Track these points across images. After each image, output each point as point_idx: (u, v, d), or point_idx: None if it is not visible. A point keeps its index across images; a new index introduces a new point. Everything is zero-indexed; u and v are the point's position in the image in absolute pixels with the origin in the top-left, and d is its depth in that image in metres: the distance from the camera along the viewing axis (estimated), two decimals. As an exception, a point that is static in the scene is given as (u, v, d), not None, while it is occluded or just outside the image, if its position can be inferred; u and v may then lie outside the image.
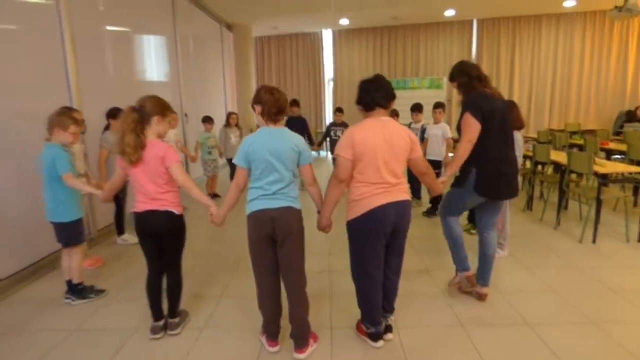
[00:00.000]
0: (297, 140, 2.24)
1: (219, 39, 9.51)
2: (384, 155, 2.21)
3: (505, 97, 10.47)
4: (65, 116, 2.91)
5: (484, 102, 2.63)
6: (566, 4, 9.75)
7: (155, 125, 2.41)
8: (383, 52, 11.88)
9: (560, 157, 4.94)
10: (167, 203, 2.44)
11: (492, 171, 2.69)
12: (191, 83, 7.65)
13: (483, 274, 2.95)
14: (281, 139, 2.20)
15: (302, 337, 2.37)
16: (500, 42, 11.19)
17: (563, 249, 3.93)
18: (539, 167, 5.73)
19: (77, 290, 3.07)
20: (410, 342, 2.47)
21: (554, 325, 2.62)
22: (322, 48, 12.24)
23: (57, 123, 2.86)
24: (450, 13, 10.39)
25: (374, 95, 2.29)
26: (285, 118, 7.18)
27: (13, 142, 3.42)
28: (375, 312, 2.40)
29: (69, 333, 2.67)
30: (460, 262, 2.99)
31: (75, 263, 3.06)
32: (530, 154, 5.39)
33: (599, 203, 4.08)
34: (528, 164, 5.82)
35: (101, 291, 3.17)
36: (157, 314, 2.60)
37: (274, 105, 2.18)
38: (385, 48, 11.85)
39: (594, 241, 4.08)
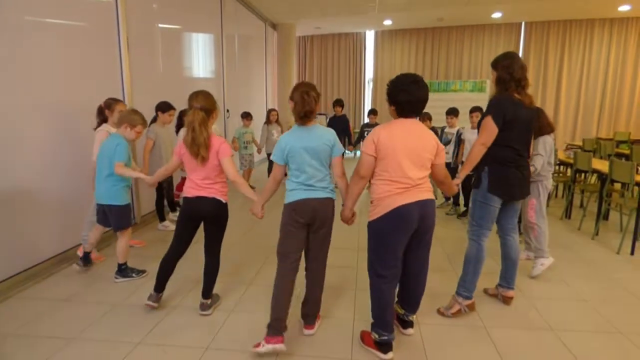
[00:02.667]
0: (329, 135, 2.38)
1: (263, 38, 9.77)
2: (407, 157, 2.20)
3: (552, 103, 10.23)
4: (136, 115, 3.21)
5: (509, 108, 2.57)
6: (621, 9, 9.34)
7: (211, 120, 2.61)
8: (426, 53, 11.79)
9: (603, 165, 4.79)
10: (215, 191, 2.64)
11: (504, 172, 2.66)
12: (235, 80, 7.92)
13: (507, 277, 2.94)
14: (315, 136, 2.35)
15: (313, 315, 2.57)
16: (549, 47, 10.85)
17: (598, 259, 3.83)
18: (581, 175, 5.56)
19: (120, 270, 3.33)
20: (431, 339, 2.52)
21: (579, 332, 2.60)
22: (365, 48, 12.29)
23: (128, 120, 3.16)
24: (497, 15, 10.18)
25: (415, 106, 2.25)
26: (328, 117, 7.36)
27: (68, 132, 3.71)
28: (388, 316, 2.32)
29: (112, 306, 2.91)
30: (470, 288, 2.80)
31: (121, 245, 3.30)
32: (571, 161, 5.25)
33: (639, 213, 3.94)
34: (569, 171, 5.66)
35: (142, 271, 3.40)
36: (159, 287, 2.82)
37: (302, 109, 2.30)
38: (428, 49, 11.76)
39: (632, 253, 3.95)
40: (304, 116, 2.32)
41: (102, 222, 3.34)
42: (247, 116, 6.59)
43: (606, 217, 5.15)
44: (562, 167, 6.15)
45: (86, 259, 3.46)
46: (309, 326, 2.56)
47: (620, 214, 4.91)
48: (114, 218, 3.24)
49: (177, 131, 4.86)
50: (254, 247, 4.13)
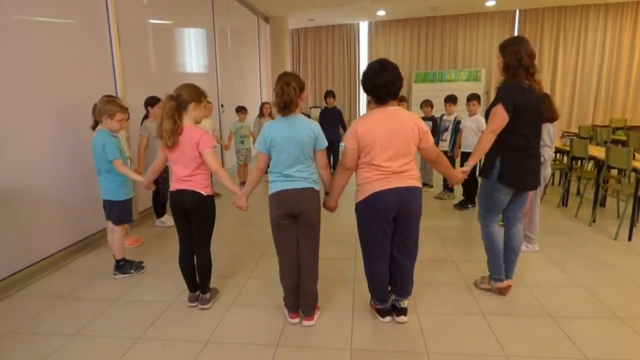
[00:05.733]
0: (313, 126, 2.37)
1: (256, 31, 9.70)
2: (387, 146, 2.26)
3: (548, 90, 10.20)
4: (112, 104, 3.13)
5: (519, 95, 2.53)
6: (616, -6, 9.31)
7: (191, 111, 2.57)
8: (420, 43, 11.74)
9: (599, 152, 4.80)
10: (195, 184, 2.61)
11: (516, 161, 2.63)
12: (228, 74, 7.87)
13: (507, 267, 2.94)
14: (298, 126, 2.34)
15: (310, 306, 2.57)
16: (544, 34, 10.82)
17: (596, 246, 3.84)
18: (577, 162, 5.57)
19: (118, 266, 3.32)
20: (431, 328, 2.53)
21: (578, 319, 2.61)
22: (358, 40, 12.23)
23: (105, 111, 3.10)
24: (491, 3, 10.13)
25: (378, 90, 2.31)
26: (320, 109, 7.38)
27: (63, 130, 3.68)
28: (379, 290, 2.55)
29: (112, 302, 2.90)
30: (497, 270, 2.87)
31: (115, 240, 3.30)
32: (568, 148, 5.25)
33: (636, 199, 3.96)
34: (565, 159, 5.67)
35: (141, 267, 3.40)
36: (191, 286, 2.83)
37: (281, 100, 2.29)
38: (422, 39, 11.71)
39: (629, 238, 3.97)
40: (284, 107, 2.31)
41: (109, 217, 3.33)
42: (241, 110, 6.55)
43: (603, 204, 5.17)
44: (558, 154, 6.16)
45: (118, 266, 3.33)
46: (308, 318, 2.57)
47: (617, 200, 4.93)
48: (115, 213, 3.25)
49: None
50: (252, 240, 4.13)
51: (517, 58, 2.56)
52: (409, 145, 2.30)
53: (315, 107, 12.14)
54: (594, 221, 4.50)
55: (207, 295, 2.81)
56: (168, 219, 4.67)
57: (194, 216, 2.69)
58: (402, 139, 2.28)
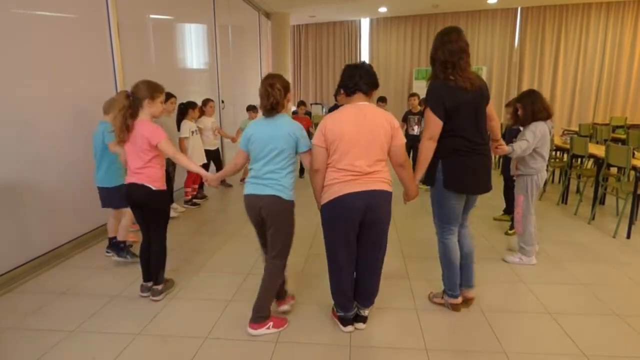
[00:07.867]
0: (294, 127, 2.30)
1: (257, 27, 9.68)
2: (356, 142, 2.16)
3: (548, 88, 10.06)
4: None
5: (447, 95, 2.32)
6: (618, -9, 9.28)
7: (146, 108, 2.65)
8: (421, 40, 11.71)
9: (599, 150, 4.80)
10: (144, 177, 2.67)
11: (459, 164, 2.41)
12: (229, 71, 7.85)
13: (464, 275, 2.70)
14: (278, 126, 2.29)
15: (256, 315, 2.44)
16: (545, 32, 10.80)
17: (595, 244, 3.85)
18: (577, 160, 5.58)
19: (117, 247, 3.41)
20: (429, 324, 2.54)
21: (575, 315, 2.62)
22: (360, 37, 12.21)
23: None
24: (493, 1, 10.11)
25: (357, 80, 2.24)
26: (328, 107, 7.36)
27: (63, 125, 3.67)
28: (341, 298, 2.42)
29: (111, 298, 2.91)
30: (451, 286, 2.65)
31: (123, 223, 3.42)
32: (568, 146, 5.25)
33: (635, 197, 3.96)
34: (565, 156, 5.68)
35: (136, 256, 3.37)
36: (144, 276, 2.92)
37: (267, 102, 2.27)
38: (423, 36, 11.68)
39: (628, 236, 3.98)
40: (271, 109, 2.28)
41: (104, 205, 3.46)
42: (252, 109, 6.58)
43: (602, 202, 5.18)
44: (558, 152, 6.17)
45: (116, 246, 3.47)
46: (252, 325, 2.43)
47: (617, 198, 4.93)
48: (112, 198, 3.37)
49: (178, 124, 4.88)
50: (251, 239, 4.12)
51: (436, 53, 2.39)
52: (379, 143, 2.19)
53: (317, 103, 12.14)
54: (593, 219, 4.51)
55: (160, 287, 2.85)
56: (178, 206, 4.89)
57: (146, 209, 2.77)
58: (372, 135, 2.17)
